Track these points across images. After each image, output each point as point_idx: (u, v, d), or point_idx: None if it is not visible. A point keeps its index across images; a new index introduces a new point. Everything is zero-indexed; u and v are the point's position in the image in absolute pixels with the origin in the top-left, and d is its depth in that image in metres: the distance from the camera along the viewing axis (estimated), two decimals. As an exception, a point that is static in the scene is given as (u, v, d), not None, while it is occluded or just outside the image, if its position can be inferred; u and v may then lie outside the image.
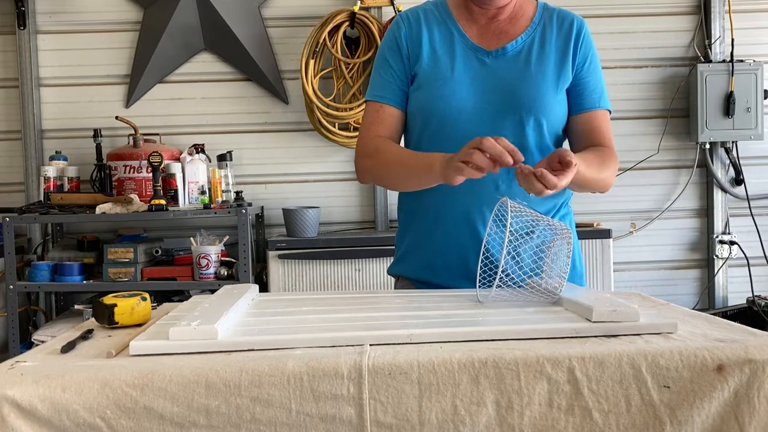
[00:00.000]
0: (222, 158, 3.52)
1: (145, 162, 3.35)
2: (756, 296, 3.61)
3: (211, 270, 3.24)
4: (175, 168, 3.40)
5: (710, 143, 3.78)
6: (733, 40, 3.70)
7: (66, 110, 3.76)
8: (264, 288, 3.35)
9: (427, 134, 1.65)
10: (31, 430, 0.98)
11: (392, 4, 3.61)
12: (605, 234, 3.45)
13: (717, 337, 1.14)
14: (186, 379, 1.00)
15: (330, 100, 3.60)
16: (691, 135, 3.78)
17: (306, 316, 1.31)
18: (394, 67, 1.68)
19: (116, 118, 3.54)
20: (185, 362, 1.04)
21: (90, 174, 3.57)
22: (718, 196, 3.83)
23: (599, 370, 1.03)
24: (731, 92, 3.65)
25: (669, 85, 3.82)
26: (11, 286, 3.25)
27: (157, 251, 3.43)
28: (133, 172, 3.43)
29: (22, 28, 3.66)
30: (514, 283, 1.39)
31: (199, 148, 3.54)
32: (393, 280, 1.82)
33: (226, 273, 3.25)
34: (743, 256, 3.75)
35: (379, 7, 3.69)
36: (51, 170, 3.50)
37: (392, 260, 1.82)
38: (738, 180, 3.80)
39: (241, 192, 3.44)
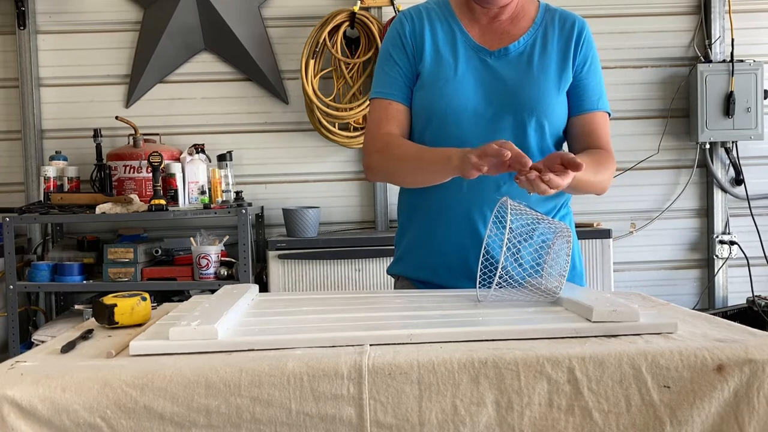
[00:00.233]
0: (222, 158, 3.52)
1: (145, 162, 3.35)
2: (756, 296, 3.61)
3: (211, 270, 3.24)
4: (175, 168, 3.40)
5: (710, 143, 3.78)
6: (733, 40, 3.70)
7: (66, 110, 3.76)
8: (264, 288, 3.35)
9: (428, 133, 1.65)
10: (31, 430, 0.98)
11: (392, 4, 3.61)
12: (605, 234, 3.45)
13: (717, 337, 1.14)
14: (186, 379, 1.00)
15: (330, 100, 3.60)
16: (691, 135, 3.78)
17: (306, 316, 1.31)
18: (400, 64, 1.67)
19: (116, 118, 3.54)
20: (185, 362, 1.04)
21: (90, 174, 3.57)
22: (718, 196, 3.83)
23: (599, 370, 1.03)
24: (731, 92, 3.65)
25: (669, 85, 3.82)
26: (11, 286, 3.25)
27: (157, 251, 3.43)
28: (133, 172, 3.43)
29: (22, 28, 3.66)
30: (514, 283, 1.39)
31: (199, 148, 3.54)
32: (393, 280, 1.82)
33: (226, 273, 3.25)
34: (743, 256, 3.75)
35: (379, 7, 3.69)
36: (51, 170, 3.50)
37: (392, 260, 1.82)
38: (738, 180, 3.80)
39: (241, 192, 3.44)
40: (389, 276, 1.83)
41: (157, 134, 3.63)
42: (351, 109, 3.58)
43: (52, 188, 3.47)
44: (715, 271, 3.83)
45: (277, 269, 3.35)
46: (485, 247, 1.49)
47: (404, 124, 1.69)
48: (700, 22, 3.80)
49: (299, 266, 3.35)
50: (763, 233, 3.75)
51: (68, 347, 1.17)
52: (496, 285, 1.35)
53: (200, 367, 1.02)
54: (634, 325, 1.16)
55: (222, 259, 3.30)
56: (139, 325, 1.30)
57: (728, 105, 3.65)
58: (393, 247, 1.82)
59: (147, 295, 1.34)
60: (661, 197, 3.86)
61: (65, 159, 3.59)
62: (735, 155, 3.79)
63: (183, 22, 3.68)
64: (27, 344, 3.33)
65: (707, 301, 3.87)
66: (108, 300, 1.30)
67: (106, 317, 1.29)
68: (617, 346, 1.08)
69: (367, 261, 3.36)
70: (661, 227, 3.86)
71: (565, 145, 1.74)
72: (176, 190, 3.39)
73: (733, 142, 3.77)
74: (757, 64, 3.68)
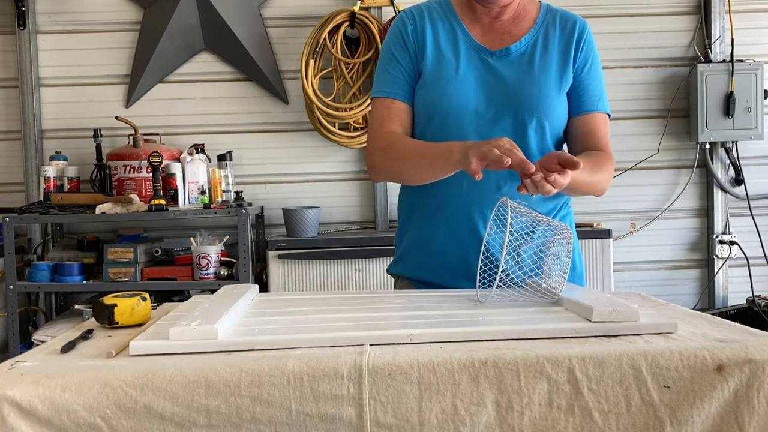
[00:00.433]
0: (222, 158, 3.52)
1: (145, 162, 3.35)
2: (756, 296, 3.61)
3: (211, 270, 3.24)
4: (175, 168, 3.40)
5: (710, 143, 3.78)
6: (733, 40, 3.70)
7: (66, 110, 3.76)
8: (264, 288, 3.35)
9: (430, 132, 1.65)
10: (31, 430, 0.98)
11: (392, 4, 3.62)
12: (605, 234, 3.45)
13: (717, 337, 1.14)
14: (186, 379, 1.00)
15: (330, 100, 3.60)
16: (691, 135, 3.79)
17: (306, 316, 1.31)
18: (402, 63, 1.67)
19: (116, 118, 3.54)
20: (185, 362, 1.04)
21: (90, 174, 3.57)
22: (718, 196, 3.83)
23: (599, 370, 1.03)
24: (731, 92, 3.65)
25: (669, 85, 3.82)
26: (11, 286, 3.25)
27: (157, 251, 3.43)
28: (133, 172, 3.43)
29: (22, 28, 3.66)
30: (514, 284, 1.39)
31: (199, 148, 3.54)
32: (393, 280, 1.82)
33: (226, 273, 3.25)
34: (743, 256, 3.75)
35: (379, 7, 3.69)
36: (51, 170, 3.50)
37: (392, 260, 1.81)
38: (738, 180, 3.80)
39: (241, 192, 3.44)
40: (389, 276, 1.83)
41: (157, 134, 3.63)
42: (351, 109, 3.58)
43: (52, 188, 3.47)
44: (715, 271, 3.83)
45: (277, 269, 3.35)
46: (485, 247, 1.49)
47: (407, 123, 1.68)
48: (700, 22, 3.80)
49: (299, 266, 3.35)
50: (763, 233, 3.75)
51: (68, 347, 1.17)
52: (497, 286, 1.35)
53: (200, 367, 1.02)
54: (634, 325, 1.16)
55: (222, 259, 3.30)
56: (139, 325, 1.30)
57: (728, 105, 3.65)
58: (393, 247, 1.82)
59: (147, 295, 1.34)
60: (661, 197, 3.86)
61: (65, 159, 3.59)
62: (735, 155, 3.79)
63: (183, 22, 3.68)
64: (27, 344, 3.33)
65: (707, 301, 3.87)
66: (108, 300, 1.30)
67: (106, 317, 1.29)
68: (617, 346, 1.08)
69: (367, 261, 3.36)
70: (661, 227, 3.86)
71: (564, 146, 1.74)
72: (176, 190, 3.39)
73: (733, 142, 3.77)
74: (757, 64, 3.68)
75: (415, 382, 1.02)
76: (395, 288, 1.79)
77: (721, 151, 3.82)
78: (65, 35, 3.74)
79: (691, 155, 3.83)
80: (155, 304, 1.49)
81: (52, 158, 3.58)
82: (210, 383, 1.00)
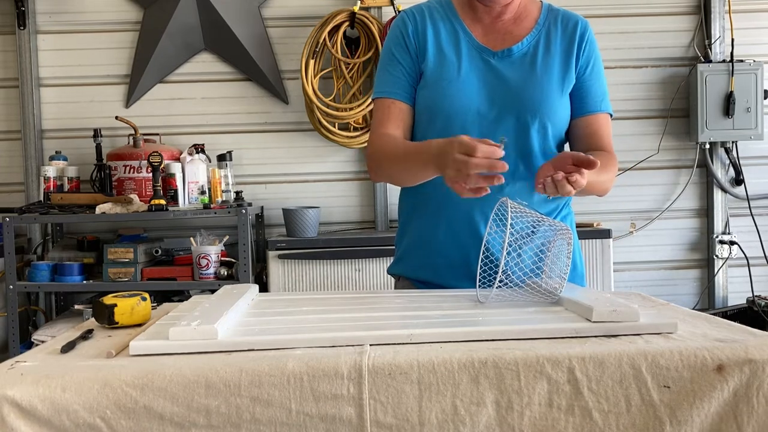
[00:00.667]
0: (222, 158, 3.52)
1: (145, 162, 3.35)
2: (756, 296, 3.61)
3: (211, 270, 3.24)
4: (175, 168, 3.41)
5: (710, 143, 3.78)
6: (733, 40, 3.70)
7: (66, 110, 3.76)
8: (264, 288, 3.35)
9: (431, 134, 1.64)
10: (31, 430, 0.98)
11: (392, 4, 3.61)
12: (605, 234, 3.45)
13: (717, 337, 1.14)
14: (186, 379, 1.00)
15: (330, 100, 3.60)
16: (691, 135, 3.78)
17: (306, 316, 1.31)
18: (403, 63, 1.67)
19: (116, 118, 3.54)
20: (185, 362, 1.04)
21: (90, 174, 3.57)
22: (718, 196, 3.83)
23: (599, 370, 1.03)
24: (731, 92, 3.65)
25: (669, 85, 3.82)
26: (11, 286, 3.25)
27: (157, 251, 3.43)
28: (133, 172, 3.43)
29: (22, 28, 3.66)
30: (514, 284, 1.39)
31: (199, 148, 3.54)
32: (393, 280, 1.82)
33: (226, 273, 3.25)
34: (743, 256, 3.75)
35: (379, 7, 3.69)
36: (51, 170, 3.50)
37: (392, 260, 1.81)
38: (738, 180, 3.80)
39: (241, 192, 3.44)
40: (389, 276, 1.83)
41: (157, 134, 3.63)
42: (351, 109, 3.58)
43: (52, 188, 3.47)
44: (715, 271, 3.83)
45: (277, 269, 3.35)
46: (485, 246, 1.48)
47: (407, 123, 1.68)
48: (700, 22, 3.80)
49: (299, 266, 3.35)
50: (763, 233, 3.75)
51: (68, 347, 1.17)
52: (497, 286, 1.35)
53: (200, 367, 1.02)
54: (634, 325, 1.16)
55: (222, 259, 3.30)
56: (139, 325, 1.30)
57: (728, 105, 3.65)
58: (393, 247, 1.82)
59: (147, 295, 1.34)
60: (661, 197, 3.86)
61: (65, 159, 3.59)
62: (735, 155, 3.79)
63: (183, 22, 3.68)
64: (27, 344, 3.33)
65: (707, 301, 3.87)
66: (108, 300, 1.30)
67: (106, 317, 1.29)
68: (617, 346, 1.08)
69: (367, 261, 3.36)
70: (661, 227, 3.86)
71: (566, 146, 1.74)
72: (176, 190, 3.39)
73: (733, 142, 3.77)
74: (757, 64, 3.68)
75: (415, 382, 1.02)
76: (396, 288, 1.79)
77: (721, 151, 3.82)
78: (65, 35, 3.74)
79: (691, 155, 3.83)
80: (155, 304, 1.49)
81: (52, 158, 3.58)
82: (210, 383, 1.00)
